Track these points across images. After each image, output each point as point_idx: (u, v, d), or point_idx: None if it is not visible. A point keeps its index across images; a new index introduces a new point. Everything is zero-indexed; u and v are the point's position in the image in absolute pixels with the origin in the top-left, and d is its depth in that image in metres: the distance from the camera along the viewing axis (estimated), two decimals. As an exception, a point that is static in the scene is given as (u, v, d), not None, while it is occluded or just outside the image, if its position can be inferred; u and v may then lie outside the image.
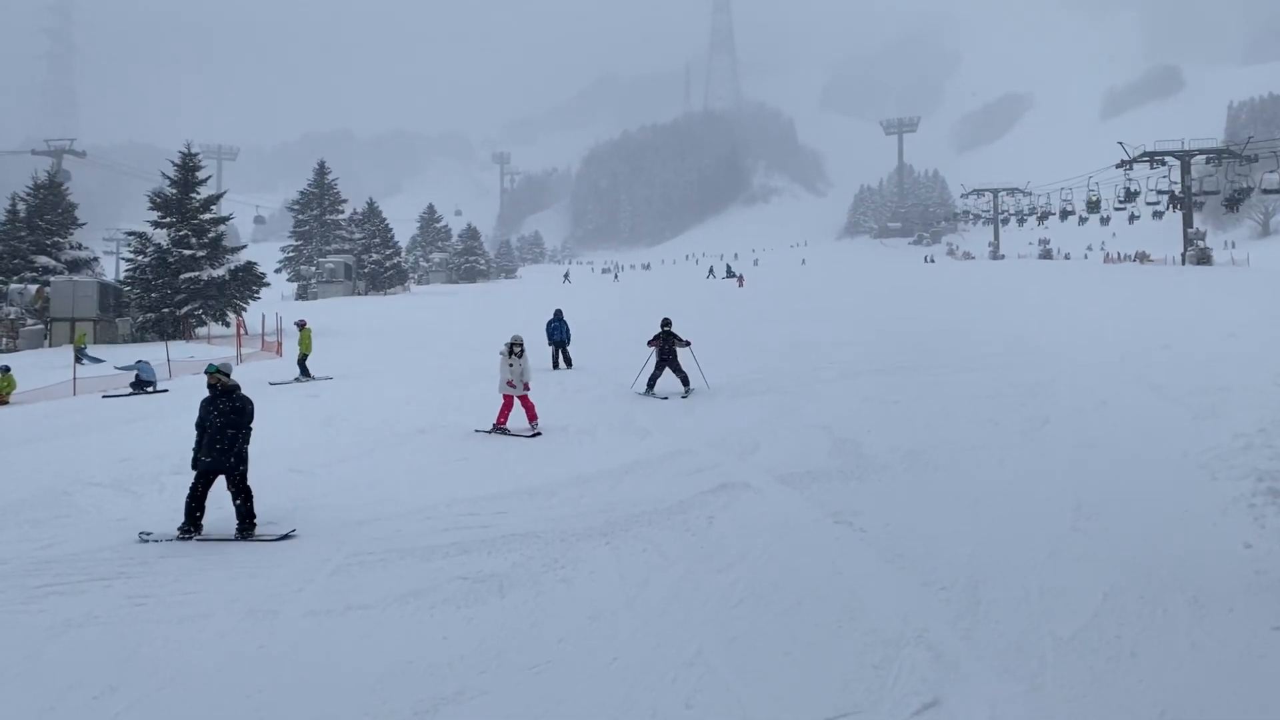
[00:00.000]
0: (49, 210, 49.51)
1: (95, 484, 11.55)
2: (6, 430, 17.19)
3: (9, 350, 39.77)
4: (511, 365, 14.56)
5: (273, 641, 6.12)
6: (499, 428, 14.07)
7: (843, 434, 12.83)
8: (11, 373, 23.08)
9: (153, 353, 25.76)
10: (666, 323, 17.41)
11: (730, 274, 75.67)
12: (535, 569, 7.31)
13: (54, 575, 7.65)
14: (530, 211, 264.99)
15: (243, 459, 9.20)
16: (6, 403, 21.73)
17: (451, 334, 33.79)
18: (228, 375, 9.37)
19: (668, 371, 16.93)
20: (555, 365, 21.87)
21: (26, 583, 7.46)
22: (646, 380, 16.80)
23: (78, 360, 23.30)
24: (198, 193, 44.23)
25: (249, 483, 9.18)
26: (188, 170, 44.29)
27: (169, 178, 44.21)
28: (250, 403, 9.36)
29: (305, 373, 23.07)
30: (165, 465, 12.53)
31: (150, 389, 21.89)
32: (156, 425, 16.85)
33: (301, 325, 24.21)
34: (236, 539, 8.85)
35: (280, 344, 32.50)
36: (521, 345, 14.75)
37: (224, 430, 9.08)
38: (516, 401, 14.47)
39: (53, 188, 50.95)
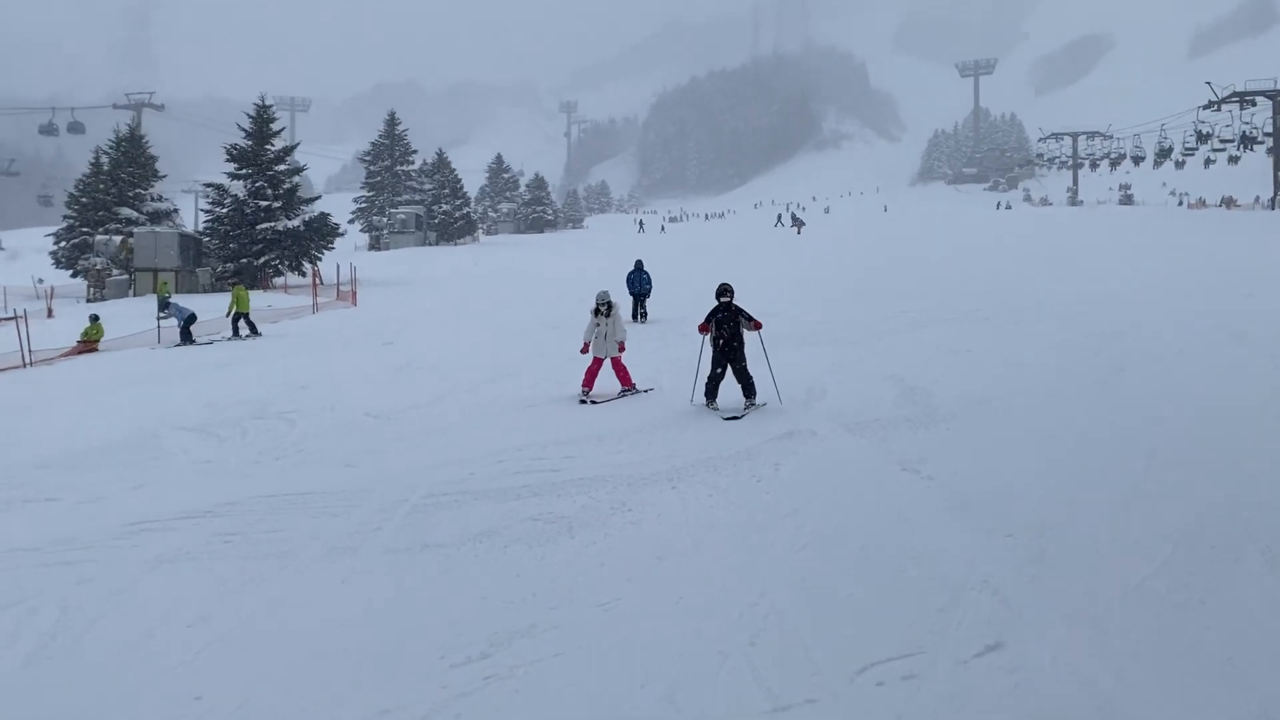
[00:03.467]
0: (131, 163, 50.80)
1: (182, 428, 12.01)
2: (98, 376, 17.91)
3: (97, 299, 41.21)
4: (599, 325, 13.23)
5: (353, 576, 6.38)
6: (586, 391, 12.82)
7: (911, 382, 12.74)
8: (100, 321, 23.96)
9: (226, 302, 26.42)
10: (725, 292, 11.76)
11: (795, 221, 74.79)
12: (604, 511, 7.47)
13: (146, 513, 8.01)
14: (597, 160, 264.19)
15: None
16: (97, 350, 22.57)
17: (521, 284, 34.11)
18: None
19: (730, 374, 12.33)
20: (634, 317, 21.49)
21: (121, 520, 7.83)
22: (705, 385, 11.73)
23: (161, 309, 24.04)
24: (272, 144, 44.99)
25: None
26: (262, 122, 45.05)
27: (244, 130, 45.03)
28: None
29: (245, 329, 23.44)
30: (247, 410, 12.98)
31: (188, 329, 22.50)
32: (238, 372, 17.43)
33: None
34: None
35: (354, 293, 33.15)
36: (609, 303, 13.34)
37: None
38: (607, 363, 13.15)
39: (134, 141, 52.21)
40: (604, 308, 13.23)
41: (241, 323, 23.46)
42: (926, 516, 7.15)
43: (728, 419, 10.85)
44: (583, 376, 13.02)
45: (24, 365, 19.72)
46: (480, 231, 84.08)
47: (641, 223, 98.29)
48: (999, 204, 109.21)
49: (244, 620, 5.61)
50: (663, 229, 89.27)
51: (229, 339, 23.05)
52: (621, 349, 13.24)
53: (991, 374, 13.32)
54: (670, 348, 17.04)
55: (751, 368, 11.62)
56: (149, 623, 5.61)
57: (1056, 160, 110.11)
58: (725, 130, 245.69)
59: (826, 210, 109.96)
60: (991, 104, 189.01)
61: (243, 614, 5.70)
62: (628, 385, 13.08)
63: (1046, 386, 12.24)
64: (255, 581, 6.35)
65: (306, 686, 4.60)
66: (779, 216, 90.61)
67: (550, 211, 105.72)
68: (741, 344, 11.53)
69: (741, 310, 11.64)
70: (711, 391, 11.63)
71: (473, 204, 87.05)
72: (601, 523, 7.17)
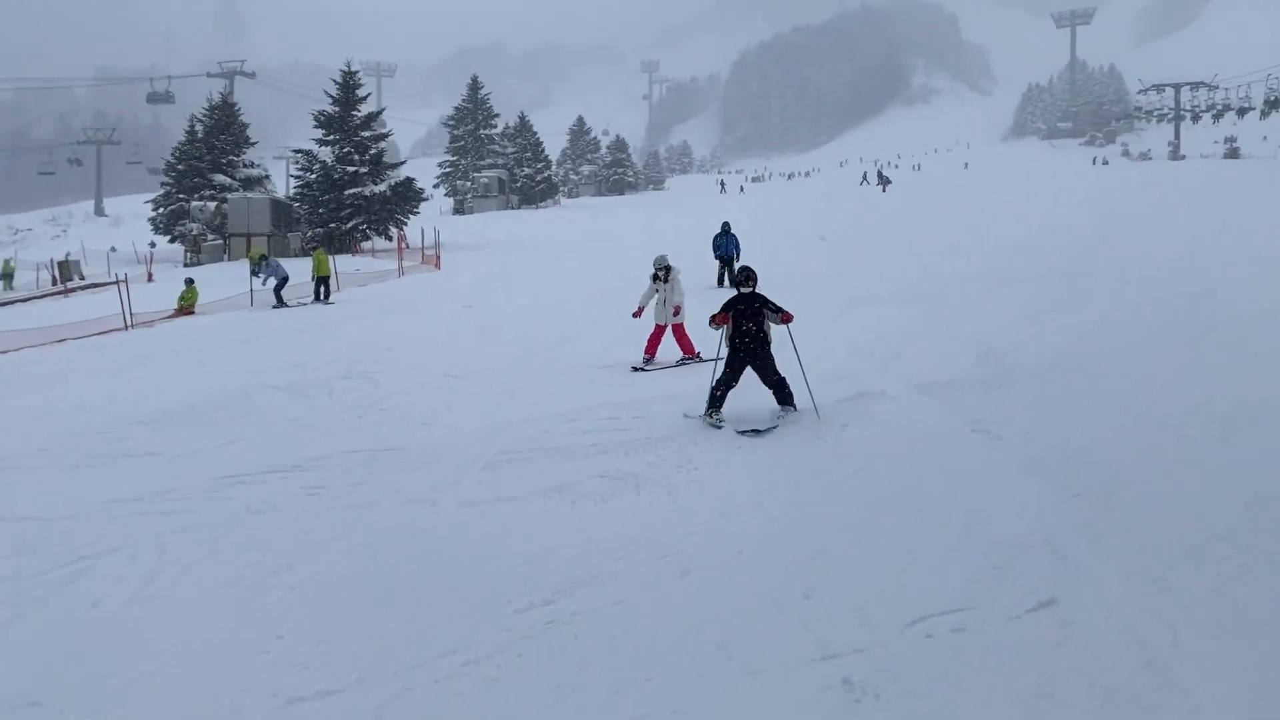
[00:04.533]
0: (224, 130, 52.28)
1: (272, 387, 12.51)
2: (193, 337, 18.71)
3: (193, 264, 42.73)
4: (657, 291, 12.82)
5: (430, 527, 6.68)
6: (648, 359, 12.56)
7: (990, 343, 12.59)
8: (195, 285, 24.92)
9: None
10: (747, 279, 9.39)
11: (881, 179, 73.42)
12: (669, 469, 7.63)
13: (238, 467, 8.45)
14: (678, 120, 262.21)
15: None
16: (192, 312, 23.51)
17: (599, 246, 34.32)
18: None
19: (749, 375, 9.33)
20: (721, 282, 20.62)
21: (215, 473, 8.28)
22: (711, 391, 9.23)
23: (254, 273, 24.89)
24: (358, 111, 45.82)
25: None
26: (349, 89, 45.88)
27: (331, 96, 45.93)
28: None
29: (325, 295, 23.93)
30: (334, 370, 13.44)
31: (281, 292, 23.21)
32: (327, 335, 18.02)
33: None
34: None
35: (438, 257, 33.78)
36: (668, 268, 12.83)
37: None
38: (669, 330, 12.72)
39: (226, 108, 53.68)
40: (662, 272, 12.81)
41: (322, 288, 24.19)
42: (992, 476, 7.15)
43: (745, 433, 8.60)
44: (645, 345, 12.75)
45: (126, 327, 20.67)
46: (561, 194, 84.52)
47: (723, 183, 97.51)
48: (1095, 159, 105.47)
49: (325, 567, 5.94)
50: (741, 189, 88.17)
51: (313, 303, 23.78)
52: (677, 313, 12.68)
53: (1074, 334, 13.08)
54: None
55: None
56: (238, 568, 5.98)
57: (1156, 113, 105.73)
58: (810, 87, 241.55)
59: (916, 167, 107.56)
60: (1089, 55, 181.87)
61: (325, 561, 6.03)
62: (689, 353, 12.57)
63: (1130, 347, 11.98)
64: (338, 531, 6.69)
65: (381, 627, 4.88)
66: (864, 174, 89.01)
67: (631, 173, 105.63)
68: (767, 344, 9.17)
69: (767, 301, 9.24)
70: (718, 400, 9.12)
71: (554, 167, 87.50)
72: (666, 480, 7.34)
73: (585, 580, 5.45)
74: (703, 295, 18.59)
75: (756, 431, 8.65)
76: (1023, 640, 4.46)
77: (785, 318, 9.24)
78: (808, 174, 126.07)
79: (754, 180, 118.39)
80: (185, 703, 4.13)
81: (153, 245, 54.15)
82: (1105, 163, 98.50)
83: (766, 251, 23.52)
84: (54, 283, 41.73)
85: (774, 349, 9.31)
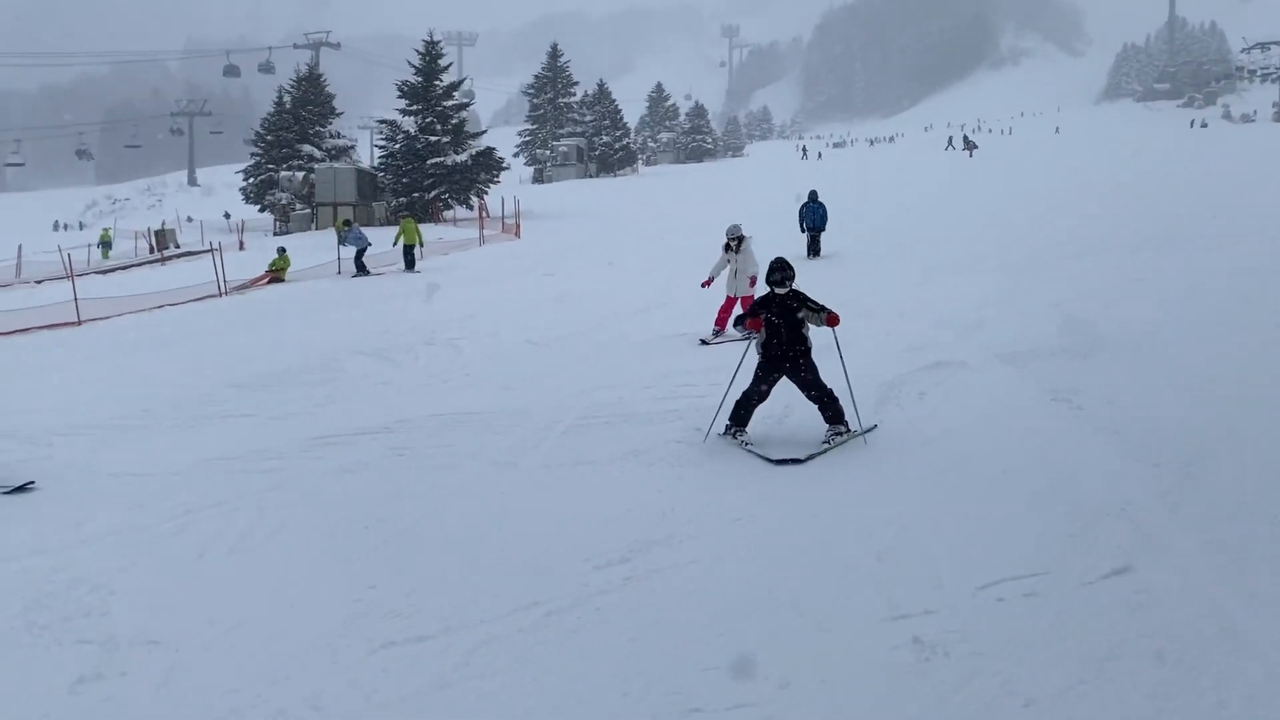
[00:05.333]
0: (311, 101, 53.39)
1: (361, 352, 12.93)
2: (284, 304, 19.34)
3: (283, 233, 43.91)
4: (729, 262, 12.67)
5: (512, 488, 6.91)
6: (717, 331, 12.32)
7: (1076, 312, 12.37)
8: (287, 253, 25.66)
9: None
10: (780, 272, 7.68)
11: (967, 144, 71.72)
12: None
13: (330, 429, 8.80)
14: (759, 85, 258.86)
15: None
16: (283, 280, 24.24)
17: (677, 215, 34.31)
18: None
19: (782, 388, 7.78)
20: (810, 253, 20.07)
21: (308, 434, 8.64)
22: (736, 404, 7.72)
23: (341, 242, 25.54)
24: (440, 80, 46.35)
25: None
26: (431, 58, 46.42)
27: (414, 66, 46.52)
28: None
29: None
30: (419, 337, 13.83)
31: (361, 258, 23.71)
32: (411, 302, 18.48)
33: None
34: None
35: (518, 226, 34.18)
36: (740, 238, 12.66)
37: None
38: (739, 302, 12.42)
39: (313, 79, 54.77)
40: (734, 242, 12.60)
41: (410, 255, 24.67)
42: (1072, 445, 7.11)
43: (781, 462, 6.97)
44: (716, 316, 12.51)
45: (220, 294, 21.44)
46: (640, 162, 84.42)
47: (804, 149, 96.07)
48: (1193, 122, 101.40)
49: (414, 523, 6.20)
50: (819, 155, 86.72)
51: (402, 270, 24.29)
52: (753, 284, 12.24)
53: (1164, 302, 12.78)
54: (847, 288, 16.24)
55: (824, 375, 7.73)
56: (331, 523, 6.28)
57: (1261, 72, 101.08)
58: (894, 49, 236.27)
59: (1007, 131, 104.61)
60: (1188, 12, 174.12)
61: (413, 518, 6.30)
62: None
63: (1221, 316, 11.69)
64: (425, 490, 6.97)
65: (465, 580, 5.11)
66: (949, 139, 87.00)
67: (710, 140, 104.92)
68: (806, 350, 7.67)
69: (806, 299, 7.67)
70: (743, 416, 7.67)
71: (632, 134, 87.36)
72: (742, 445, 7.45)
73: (661, 540, 5.61)
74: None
75: (796, 461, 6.97)
76: (1095, 605, 4.49)
77: (831, 320, 7.58)
78: (891, 139, 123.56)
79: (835, 146, 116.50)
80: (287, 645, 4.41)
81: (227, 215, 55.71)
82: (1204, 125, 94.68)
83: (848, 220, 23.23)
84: (151, 251, 43.30)
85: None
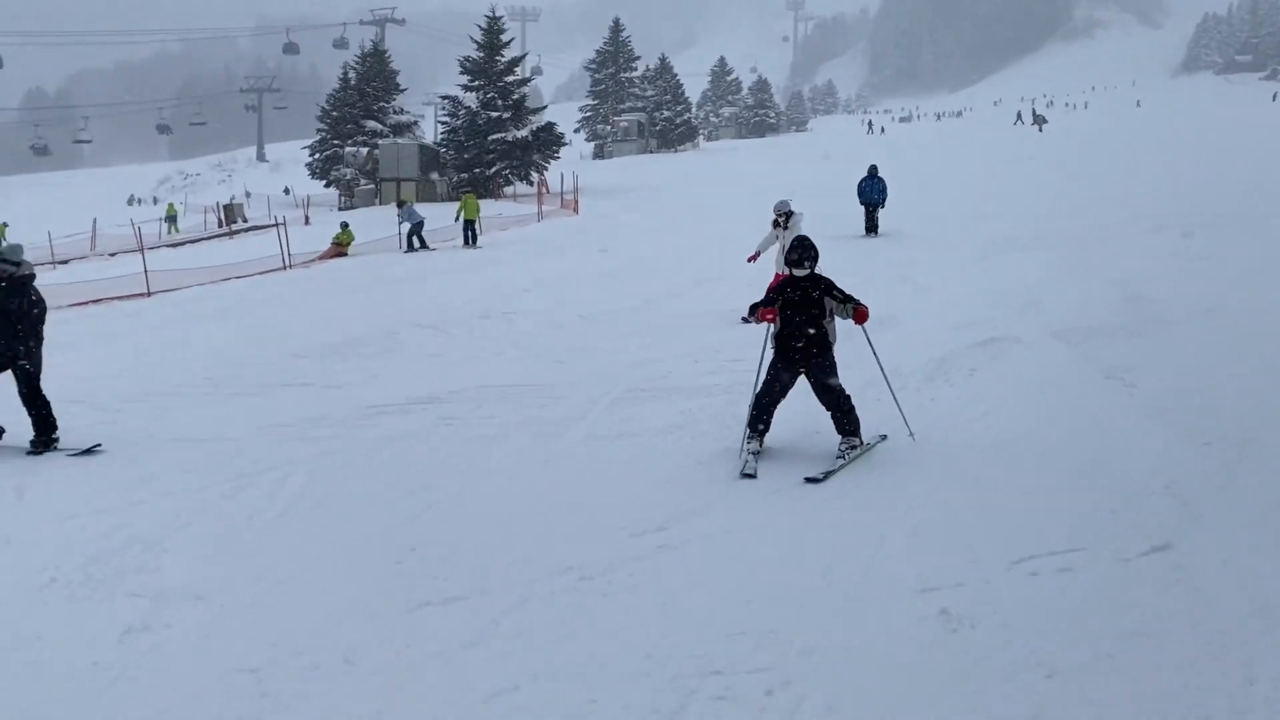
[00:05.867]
0: (375, 77, 53.92)
1: (417, 325, 13.15)
2: (346, 277, 19.70)
3: (347, 208, 44.58)
4: (778, 238, 12.36)
5: (555, 458, 7.02)
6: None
7: (1137, 289, 12.12)
8: (350, 228, 26.09)
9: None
10: (802, 254, 6.86)
11: (1037, 119, 70.04)
12: (789, 410, 7.73)
13: (383, 398, 9.00)
14: (824, 59, 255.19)
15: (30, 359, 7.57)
16: (346, 254, 24.66)
17: (735, 190, 34.11)
18: (16, 264, 7.66)
19: (798, 392, 6.92)
20: (867, 230, 19.68)
21: (361, 403, 8.84)
22: (753, 409, 6.83)
23: (401, 220, 25.85)
24: (502, 56, 46.49)
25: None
26: (493, 34, 46.56)
27: (476, 42, 46.73)
28: (38, 301, 7.69)
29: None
30: (474, 310, 14.01)
31: (413, 236, 23.94)
32: (469, 276, 18.70)
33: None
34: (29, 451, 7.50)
35: (576, 202, 34.28)
36: (789, 213, 12.40)
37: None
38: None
39: (377, 56, 55.30)
40: (782, 218, 12.38)
41: (470, 230, 24.87)
42: (1122, 423, 7.00)
43: (809, 481, 6.11)
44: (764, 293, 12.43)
45: (284, 268, 21.89)
46: (701, 137, 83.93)
47: (870, 123, 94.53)
48: (1276, 95, 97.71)
49: (457, 490, 6.34)
50: (881, 130, 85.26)
51: (460, 246, 24.54)
52: None
53: (1228, 281, 12.46)
54: (904, 264, 15.96)
55: (850, 381, 6.88)
56: (379, 488, 6.45)
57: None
58: (964, 21, 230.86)
59: (1080, 106, 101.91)
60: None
61: (457, 485, 6.44)
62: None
63: (1287, 296, 11.35)
64: (470, 458, 7.12)
65: (504, 544, 5.23)
66: (1018, 114, 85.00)
67: (773, 114, 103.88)
68: (826, 346, 6.73)
69: (832, 287, 6.80)
70: (761, 421, 6.75)
71: (694, 109, 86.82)
72: (786, 421, 7.45)
73: (699, 510, 5.67)
74: (846, 246, 18.23)
75: (814, 480, 6.11)
76: (1130, 581, 4.45)
77: (860, 314, 6.71)
78: (959, 114, 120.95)
79: (901, 120, 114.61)
80: (328, 602, 4.56)
81: (287, 191, 56.58)
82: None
83: (910, 195, 22.87)
84: (220, 225, 44.30)
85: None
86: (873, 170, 20.26)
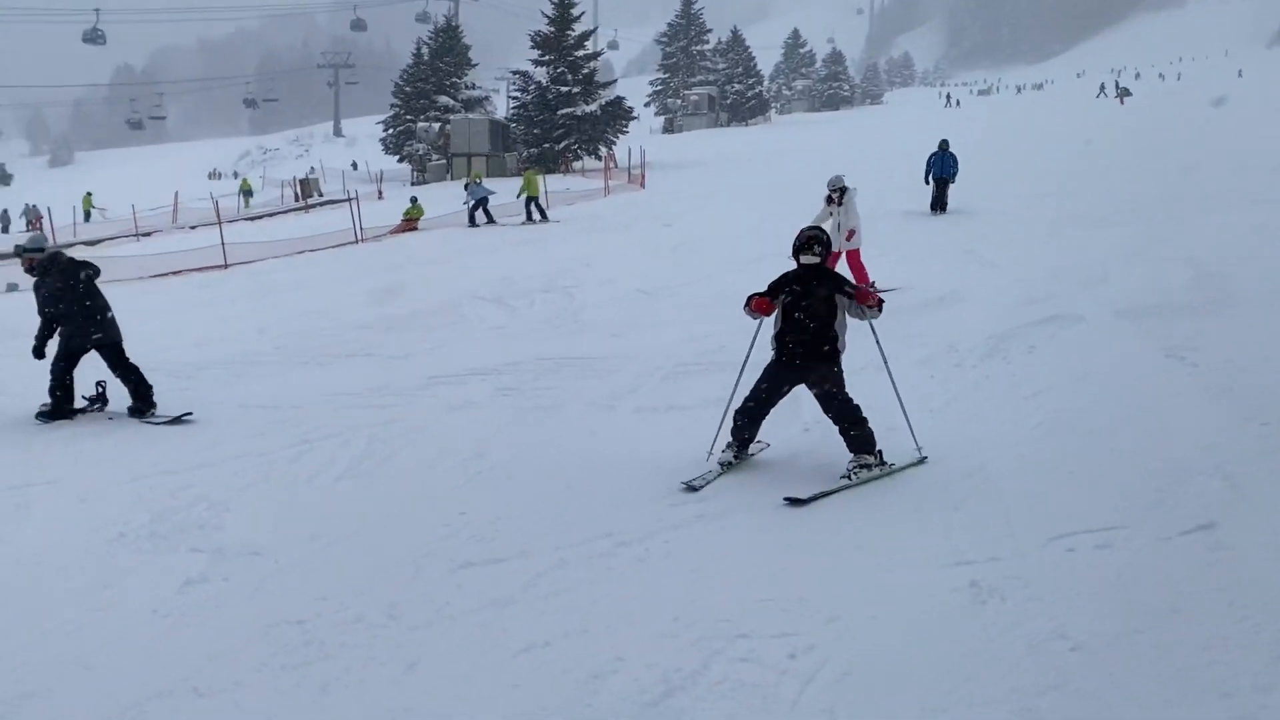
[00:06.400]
0: (447, 53, 54.39)
1: (480, 298, 13.40)
2: (414, 251, 20.10)
3: (420, 183, 45.20)
4: (831, 215, 12.03)
5: (604, 429, 7.18)
6: None
7: (1210, 267, 11.80)
8: (419, 202, 26.51)
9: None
10: (809, 244, 5.98)
11: (1120, 91, 67.91)
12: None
13: (443, 368, 9.24)
14: (901, 31, 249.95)
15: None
16: (416, 228, 25.09)
17: (805, 165, 33.80)
18: (40, 250, 7.94)
19: (796, 401, 6.50)
20: (934, 207, 19.04)
21: (423, 373, 9.09)
22: (737, 415, 6.17)
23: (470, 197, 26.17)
24: (572, 30, 46.59)
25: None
26: (564, 8, 46.67)
27: (547, 16, 46.88)
28: (82, 265, 7.83)
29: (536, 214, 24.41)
30: (536, 284, 14.21)
31: (484, 211, 24.16)
32: (533, 251, 18.94)
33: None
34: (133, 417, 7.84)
35: (643, 176, 34.32)
36: (843, 189, 12.18)
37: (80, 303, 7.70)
38: (843, 258, 11.82)
39: (450, 31, 55.76)
40: (836, 194, 12.10)
41: (532, 206, 25.07)
42: (1179, 402, 6.89)
43: (790, 502, 5.35)
44: None
45: (356, 241, 22.38)
46: (772, 111, 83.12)
47: (948, 96, 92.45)
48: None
49: (510, 458, 6.53)
50: (957, 103, 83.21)
51: (523, 222, 24.79)
52: (850, 237, 11.84)
53: (1308, 258, 12.06)
54: (971, 239, 15.50)
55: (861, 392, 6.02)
56: (435, 455, 6.66)
57: None
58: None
59: (1177, 76, 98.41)
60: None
61: (510, 452, 6.63)
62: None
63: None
64: (525, 427, 7.33)
65: (549, 510, 5.40)
66: (1101, 86, 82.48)
67: (847, 88, 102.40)
68: (835, 352, 5.91)
69: (842, 281, 6.10)
70: (746, 430, 6.10)
71: (766, 83, 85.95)
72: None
73: (738, 483, 5.76)
74: (913, 222, 18.01)
75: (799, 502, 5.35)
76: (1168, 559, 4.42)
77: (871, 302, 5.87)
78: (1040, 86, 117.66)
79: (980, 93, 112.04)
80: (376, 561, 4.77)
81: (354, 166, 57.41)
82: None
83: (982, 170, 22.43)
84: (296, 199, 45.29)
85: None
86: (943, 145, 19.72)
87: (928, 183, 19.32)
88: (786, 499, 5.37)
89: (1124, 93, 66.18)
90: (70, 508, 5.69)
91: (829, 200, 12.32)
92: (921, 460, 5.94)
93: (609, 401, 7.91)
